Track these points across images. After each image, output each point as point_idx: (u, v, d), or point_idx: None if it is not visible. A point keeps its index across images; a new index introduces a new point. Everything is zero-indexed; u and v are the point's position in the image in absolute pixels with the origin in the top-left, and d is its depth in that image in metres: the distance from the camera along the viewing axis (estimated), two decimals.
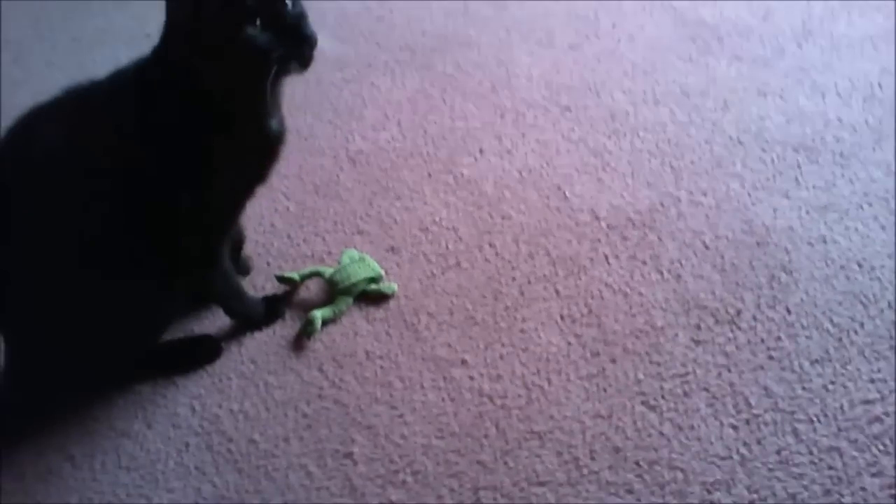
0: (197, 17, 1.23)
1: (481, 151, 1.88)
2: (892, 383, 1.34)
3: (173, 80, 1.28)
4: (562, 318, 1.51)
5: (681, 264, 1.56)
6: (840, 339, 1.41)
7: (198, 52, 1.25)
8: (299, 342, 1.54)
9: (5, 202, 1.33)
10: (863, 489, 1.23)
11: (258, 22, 1.23)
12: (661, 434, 1.33)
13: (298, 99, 2.10)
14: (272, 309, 1.59)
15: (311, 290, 1.64)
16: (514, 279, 1.60)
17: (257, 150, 1.37)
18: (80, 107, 1.34)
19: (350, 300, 1.58)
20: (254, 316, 1.57)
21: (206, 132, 1.30)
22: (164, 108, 1.29)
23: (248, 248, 1.73)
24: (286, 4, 1.26)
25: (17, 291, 1.37)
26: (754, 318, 1.46)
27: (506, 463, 1.33)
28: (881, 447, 1.27)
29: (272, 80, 1.29)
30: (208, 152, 1.31)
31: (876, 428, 1.29)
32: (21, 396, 1.47)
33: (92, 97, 1.34)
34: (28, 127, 1.34)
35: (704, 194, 1.69)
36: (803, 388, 1.35)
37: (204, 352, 1.56)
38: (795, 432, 1.30)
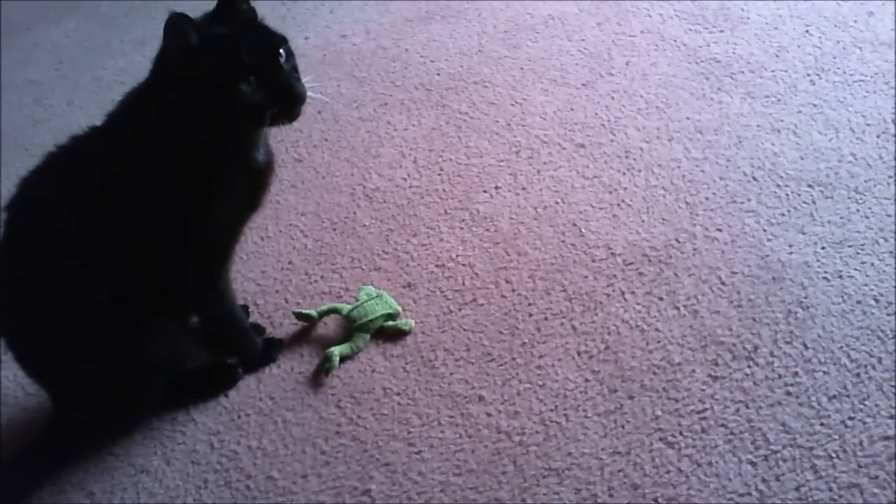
0: (193, 70, 1.26)
1: (497, 188, 1.90)
2: None
3: (163, 121, 1.30)
4: (579, 354, 1.52)
5: (697, 300, 1.57)
6: (858, 375, 1.40)
7: (191, 103, 1.28)
8: (317, 378, 1.55)
9: (18, 263, 1.37)
10: None
11: (252, 79, 1.26)
12: (680, 471, 1.32)
13: (316, 137, 2.13)
14: (268, 350, 1.61)
15: (329, 326, 1.65)
16: (530, 315, 1.60)
17: (246, 182, 1.41)
18: (71, 158, 1.37)
19: (367, 337, 1.59)
20: (250, 352, 1.59)
21: (197, 171, 1.33)
22: (154, 150, 1.32)
23: (267, 285, 1.75)
24: (280, 62, 1.29)
25: (42, 348, 1.41)
26: (771, 354, 1.46)
27: (524, 500, 1.33)
28: None
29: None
30: (200, 188, 1.35)
31: None
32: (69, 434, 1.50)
33: (82, 146, 1.38)
34: (25, 189, 1.38)
35: (720, 230, 1.69)
36: (822, 424, 1.35)
37: (222, 378, 1.57)
38: (814, 469, 1.29)
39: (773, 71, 2.08)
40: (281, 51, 1.30)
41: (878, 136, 1.84)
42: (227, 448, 1.47)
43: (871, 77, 2.00)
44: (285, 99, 1.29)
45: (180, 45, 1.25)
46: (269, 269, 1.80)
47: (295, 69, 1.33)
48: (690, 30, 2.26)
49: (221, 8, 1.31)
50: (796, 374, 1.42)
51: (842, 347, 1.45)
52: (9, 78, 2.73)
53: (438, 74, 2.29)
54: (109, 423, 1.51)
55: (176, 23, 1.23)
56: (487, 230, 1.80)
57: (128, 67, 2.57)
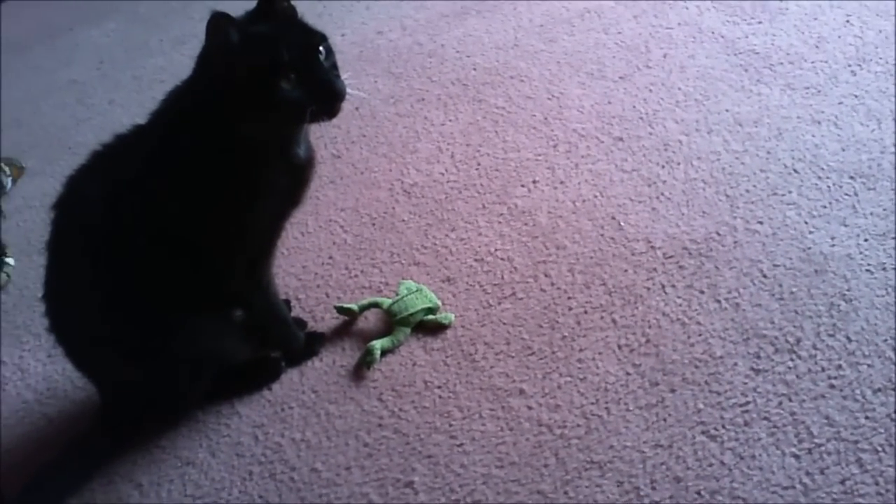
0: (234, 68, 1.27)
1: (534, 182, 1.90)
2: None
3: (205, 119, 1.32)
4: (619, 347, 1.52)
5: (738, 293, 1.56)
6: None
7: (232, 100, 1.29)
8: (359, 372, 1.57)
9: (66, 261, 1.40)
10: None
11: (293, 76, 1.27)
12: (723, 464, 1.32)
13: (354, 133, 2.15)
14: (310, 344, 1.62)
15: (370, 320, 1.67)
16: (570, 309, 1.60)
17: (287, 178, 1.42)
18: (115, 156, 1.40)
19: (408, 330, 1.60)
20: (293, 346, 1.61)
21: (239, 167, 1.35)
22: (197, 147, 1.34)
23: (308, 280, 1.77)
24: (319, 59, 1.30)
25: (90, 344, 1.44)
26: (814, 347, 1.45)
27: (566, 493, 1.33)
28: None
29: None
30: (242, 185, 1.36)
31: None
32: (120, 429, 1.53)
33: (126, 144, 1.40)
34: (71, 187, 1.40)
35: (761, 223, 1.68)
36: (867, 418, 1.34)
37: (265, 372, 1.59)
38: (860, 462, 1.28)
39: (813, 62, 2.05)
40: (320, 48, 1.31)
41: None
42: (272, 440, 1.49)
43: None
44: (325, 96, 1.30)
45: (221, 43, 1.26)
46: (310, 263, 1.82)
47: (334, 66, 1.34)
48: (728, 21, 2.24)
49: (261, 6, 1.33)
50: (840, 367, 1.41)
51: (886, 340, 1.44)
52: (52, 78, 2.78)
53: (475, 69, 2.29)
54: (156, 417, 1.53)
55: (217, 22, 1.25)
56: (526, 224, 1.80)
57: (167, 66, 2.60)
